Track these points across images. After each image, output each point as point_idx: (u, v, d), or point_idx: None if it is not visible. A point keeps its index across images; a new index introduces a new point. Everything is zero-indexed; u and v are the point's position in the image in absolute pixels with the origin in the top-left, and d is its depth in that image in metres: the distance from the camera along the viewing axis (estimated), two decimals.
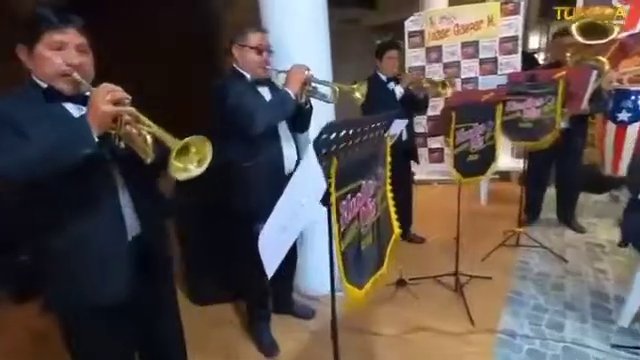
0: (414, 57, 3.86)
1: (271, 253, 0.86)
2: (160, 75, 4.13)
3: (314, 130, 2.10)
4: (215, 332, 2.14)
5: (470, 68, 3.71)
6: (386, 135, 1.18)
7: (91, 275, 1.11)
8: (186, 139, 0.92)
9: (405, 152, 2.87)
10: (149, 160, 0.96)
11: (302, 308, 2.24)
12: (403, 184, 3.04)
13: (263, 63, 1.73)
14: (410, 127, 2.88)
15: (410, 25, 3.84)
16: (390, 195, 1.19)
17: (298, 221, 0.85)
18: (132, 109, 0.98)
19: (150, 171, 1.10)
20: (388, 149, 1.17)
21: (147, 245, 1.23)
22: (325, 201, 0.86)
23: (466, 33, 3.63)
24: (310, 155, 0.79)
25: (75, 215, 1.06)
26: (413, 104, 2.77)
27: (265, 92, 1.79)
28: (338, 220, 0.89)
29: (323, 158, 0.82)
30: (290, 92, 1.63)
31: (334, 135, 0.83)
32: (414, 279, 2.48)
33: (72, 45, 1.06)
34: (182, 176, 0.93)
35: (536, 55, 7.21)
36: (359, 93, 1.64)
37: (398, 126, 1.27)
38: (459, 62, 3.72)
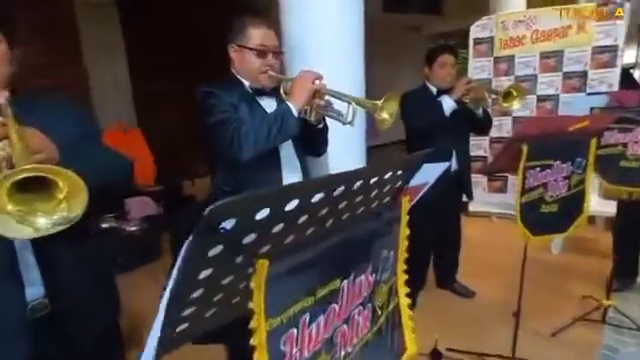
0: (479, 68, 3.25)
1: None
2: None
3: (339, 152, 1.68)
4: None
5: (550, 83, 3.03)
6: (405, 189, 0.71)
7: None
8: (45, 168, 0.57)
9: (455, 184, 2.30)
10: None
11: None
12: (450, 222, 2.48)
13: (266, 68, 1.34)
14: (464, 153, 2.30)
15: (477, 31, 3.24)
16: (404, 291, 0.71)
17: None
18: None
19: None
20: (405, 218, 0.69)
21: (57, 313, 0.90)
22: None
23: (548, 41, 2.97)
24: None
25: None
26: (470, 123, 2.19)
27: (270, 104, 1.39)
28: None
29: (229, 260, 0.39)
30: (292, 107, 1.22)
31: (266, 215, 0.40)
32: (453, 351, 1.92)
33: None
34: (21, 233, 0.58)
35: (632, 71, 6.13)
36: (386, 112, 1.16)
37: (431, 173, 0.79)
38: (535, 76, 3.06)
